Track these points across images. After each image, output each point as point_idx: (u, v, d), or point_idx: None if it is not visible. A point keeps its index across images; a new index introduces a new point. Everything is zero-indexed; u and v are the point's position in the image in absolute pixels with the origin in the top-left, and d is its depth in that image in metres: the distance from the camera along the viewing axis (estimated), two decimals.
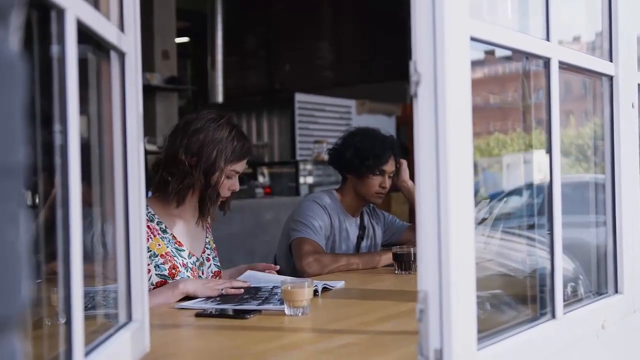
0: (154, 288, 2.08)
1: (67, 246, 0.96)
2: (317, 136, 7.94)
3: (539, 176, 1.56)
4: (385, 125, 7.04)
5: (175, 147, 2.17)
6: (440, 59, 1.09)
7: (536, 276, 1.59)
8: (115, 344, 1.20)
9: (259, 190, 6.59)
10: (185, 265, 2.20)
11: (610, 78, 1.76)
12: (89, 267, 1.25)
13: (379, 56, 8.86)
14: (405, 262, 2.51)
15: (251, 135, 8.37)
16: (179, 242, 2.22)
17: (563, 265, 1.48)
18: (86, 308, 1.05)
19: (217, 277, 2.32)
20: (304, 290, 1.77)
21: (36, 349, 1.10)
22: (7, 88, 0.63)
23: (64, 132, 0.96)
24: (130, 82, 1.32)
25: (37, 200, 1.21)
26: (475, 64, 1.21)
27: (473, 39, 1.18)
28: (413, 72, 1.11)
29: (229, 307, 1.87)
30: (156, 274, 2.13)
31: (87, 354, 1.04)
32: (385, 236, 3.04)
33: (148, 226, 2.14)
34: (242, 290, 2.05)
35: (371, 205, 2.99)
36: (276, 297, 1.96)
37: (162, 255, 2.15)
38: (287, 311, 1.78)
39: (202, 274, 2.28)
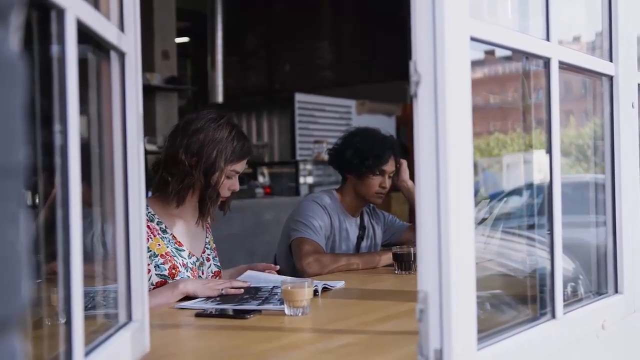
0: (154, 288, 2.08)
1: (67, 246, 0.96)
2: (317, 136, 7.94)
3: (539, 176, 1.56)
4: (385, 125, 7.04)
5: (175, 147, 2.17)
6: (440, 59, 1.09)
7: (536, 276, 1.59)
8: (115, 344, 1.20)
9: (259, 190, 6.59)
10: (185, 265, 2.20)
11: (610, 78, 1.76)
12: (89, 267, 1.25)
13: (379, 56, 8.86)
14: (405, 262, 2.51)
15: (251, 135, 8.37)
16: (179, 242, 2.22)
17: (563, 265, 1.48)
18: (86, 308, 1.05)
19: (217, 277, 2.32)
20: (304, 290, 1.77)
21: (36, 349, 1.10)
22: (7, 88, 0.63)
23: (64, 132, 0.96)
24: (130, 82, 1.32)
25: (37, 201, 1.21)
26: (475, 64, 1.21)
27: (473, 39, 1.18)
28: (413, 72, 1.11)
29: (229, 307, 1.87)
30: (156, 274, 2.13)
31: (87, 354, 1.04)
32: (385, 236, 3.04)
33: (148, 226, 2.14)
34: (242, 290, 2.05)
35: (371, 205, 2.99)
36: (276, 297, 1.96)
37: (162, 255, 2.15)
38: (287, 311, 1.78)
39: (202, 274, 2.28)
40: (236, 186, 2.26)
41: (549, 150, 1.46)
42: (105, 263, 1.40)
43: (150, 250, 2.12)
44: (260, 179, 7.16)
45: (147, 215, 2.13)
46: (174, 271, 2.15)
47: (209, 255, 2.34)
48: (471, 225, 1.15)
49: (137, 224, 1.33)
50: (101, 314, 1.40)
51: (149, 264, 2.10)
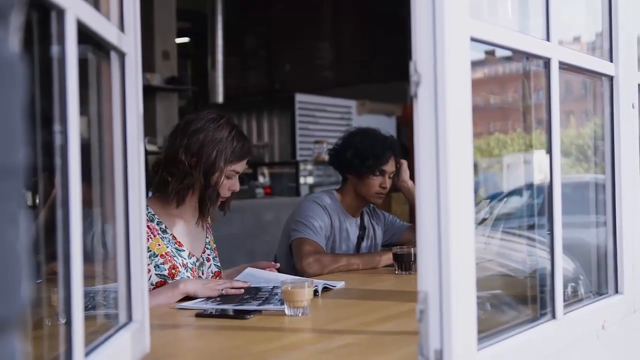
0: (153, 288, 2.08)
1: (67, 246, 0.96)
2: (317, 136, 7.94)
3: (539, 176, 1.56)
4: (386, 125, 7.04)
5: (175, 147, 2.17)
6: (440, 59, 1.09)
7: (536, 276, 1.59)
8: (115, 344, 1.20)
9: (259, 191, 6.59)
10: (185, 266, 2.20)
11: (611, 78, 1.76)
12: (89, 267, 1.26)
13: (379, 56, 8.86)
14: (406, 263, 2.51)
15: (251, 136, 8.37)
16: (179, 242, 2.22)
17: (563, 265, 1.48)
18: (86, 308, 1.05)
19: (217, 278, 2.32)
20: (304, 290, 1.77)
21: (36, 349, 1.10)
22: (7, 88, 0.63)
23: (64, 133, 0.96)
24: (131, 82, 1.32)
25: (37, 201, 1.21)
26: (475, 64, 1.21)
27: (473, 39, 1.18)
28: (413, 73, 1.11)
29: (229, 307, 1.87)
30: (156, 274, 2.13)
31: (87, 354, 1.04)
32: (385, 236, 3.04)
33: (148, 226, 2.14)
34: (242, 290, 2.05)
35: (371, 205, 2.99)
36: (276, 297, 1.96)
37: (162, 255, 2.15)
38: (287, 311, 1.78)
39: (202, 274, 2.28)
40: (236, 186, 2.26)
41: (549, 151, 1.46)
42: (106, 263, 1.40)
43: (150, 250, 2.12)
44: (261, 179, 7.16)
45: (147, 215, 2.13)
46: (173, 271, 2.15)
47: (209, 255, 2.34)
48: (471, 226, 1.15)
49: (137, 225, 1.33)
50: (101, 314, 1.40)
51: (148, 264, 2.10)
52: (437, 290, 1.10)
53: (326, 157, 4.18)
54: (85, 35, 1.07)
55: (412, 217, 3.55)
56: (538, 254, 1.61)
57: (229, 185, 2.22)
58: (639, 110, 1.82)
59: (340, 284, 2.26)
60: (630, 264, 1.77)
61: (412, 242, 2.66)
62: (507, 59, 1.62)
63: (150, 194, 2.29)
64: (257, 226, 5.70)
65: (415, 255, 2.08)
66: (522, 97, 1.70)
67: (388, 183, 2.84)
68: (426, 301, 1.10)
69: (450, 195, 1.09)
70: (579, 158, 1.97)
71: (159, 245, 2.16)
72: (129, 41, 1.32)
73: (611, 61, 1.75)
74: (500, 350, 1.25)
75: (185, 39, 10.05)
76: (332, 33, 9.59)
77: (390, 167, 2.84)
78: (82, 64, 1.03)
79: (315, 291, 2.02)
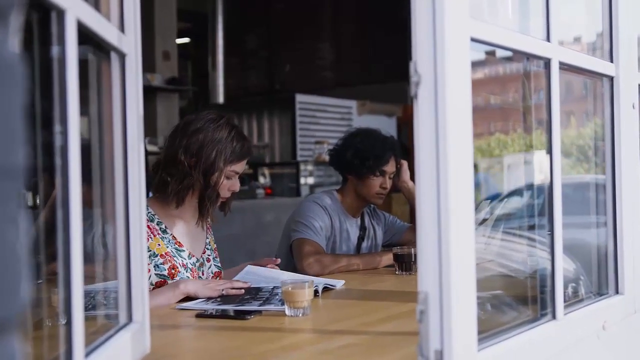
0: (153, 288, 2.08)
1: (68, 247, 0.96)
2: (318, 137, 7.94)
3: (540, 177, 1.56)
4: (386, 126, 7.04)
5: (174, 148, 2.17)
6: (440, 59, 1.09)
7: (537, 277, 1.59)
8: (116, 344, 1.20)
9: (260, 191, 6.59)
10: (184, 266, 2.20)
11: (611, 79, 1.76)
12: (90, 268, 1.25)
13: (379, 57, 8.86)
14: (406, 263, 2.51)
15: (252, 136, 8.37)
16: (179, 242, 2.22)
17: (564, 265, 1.48)
18: (86, 308, 1.05)
19: (218, 278, 2.32)
20: (305, 291, 1.77)
21: (36, 349, 1.11)
22: (7, 88, 0.63)
23: (65, 133, 0.96)
24: (131, 83, 1.32)
25: (37, 201, 1.21)
26: (475, 64, 1.21)
27: (473, 39, 1.17)
28: (413, 73, 1.11)
29: (230, 307, 1.87)
30: (155, 274, 2.13)
31: (87, 354, 1.04)
32: (385, 237, 3.04)
33: (148, 226, 2.14)
34: (243, 290, 2.05)
35: (372, 205, 2.99)
36: (277, 297, 1.96)
37: (161, 255, 2.15)
38: (287, 312, 1.78)
39: (202, 274, 2.28)
40: (236, 187, 2.26)
41: (550, 151, 1.46)
42: (106, 264, 1.40)
43: (150, 250, 2.12)
44: (261, 180, 7.16)
45: (147, 216, 2.13)
46: (173, 271, 2.15)
47: (209, 256, 2.33)
48: (471, 226, 1.15)
49: (137, 225, 1.33)
50: (101, 314, 1.40)
51: (148, 264, 2.10)
52: (437, 290, 1.10)
53: (327, 158, 4.18)
54: (86, 36, 1.07)
55: (412, 217, 3.55)
56: (538, 254, 1.61)
57: (228, 185, 2.22)
58: (639, 110, 1.82)
59: (340, 283, 2.26)
60: (631, 265, 1.77)
61: (413, 243, 2.66)
62: (508, 59, 1.62)
63: (150, 194, 2.29)
64: (257, 227, 5.70)
65: (415, 255, 2.08)
66: (523, 98, 1.70)
67: (388, 183, 2.84)
68: (426, 302, 1.10)
69: (451, 195, 1.09)
70: (579, 158, 1.97)
71: (159, 245, 2.16)
72: (129, 42, 1.32)
73: (611, 61, 1.75)
74: (500, 350, 1.25)
75: (186, 40, 10.06)
76: (333, 33, 9.59)
77: (390, 167, 2.84)
78: (83, 65, 1.03)
79: (316, 291, 2.02)
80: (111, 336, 1.22)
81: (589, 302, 1.67)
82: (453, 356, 1.08)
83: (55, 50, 0.96)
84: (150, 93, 7.07)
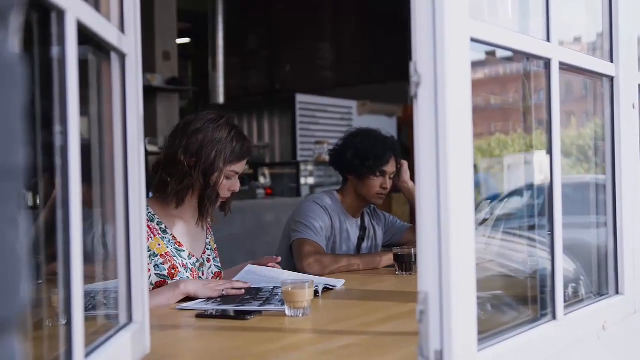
0: (153, 288, 2.08)
1: (68, 247, 0.96)
2: (318, 137, 7.94)
3: (540, 177, 1.56)
4: (387, 126, 7.04)
5: (174, 148, 2.17)
6: (440, 60, 1.09)
7: (537, 277, 1.59)
8: (116, 345, 1.20)
9: (260, 191, 6.59)
10: (184, 266, 2.20)
11: (611, 79, 1.76)
12: (90, 268, 1.25)
13: (379, 57, 8.85)
14: (406, 263, 2.51)
15: (252, 136, 8.38)
16: (179, 242, 2.22)
17: (564, 266, 1.48)
18: (86, 308, 1.05)
19: (218, 278, 2.32)
20: (305, 291, 1.77)
21: (36, 350, 1.11)
22: (7, 89, 0.63)
23: (65, 133, 0.96)
24: (131, 83, 1.32)
25: (37, 202, 1.21)
26: (476, 64, 1.21)
27: (473, 40, 1.18)
28: (413, 73, 1.11)
29: (230, 308, 1.87)
30: (155, 274, 2.13)
31: (87, 355, 1.04)
32: (386, 237, 3.04)
33: (148, 226, 2.14)
34: (243, 291, 2.05)
35: (372, 206, 2.99)
36: (277, 297, 1.96)
37: (161, 255, 2.15)
38: (287, 312, 1.78)
39: (202, 274, 2.28)
40: (236, 187, 2.26)
41: (550, 151, 1.46)
42: (106, 264, 1.40)
43: (150, 250, 2.12)
44: (262, 180, 7.16)
45: (147, 216, 2.13)
46: (173, 271, 2.15)
47: (209, 256, 2.33)
48: (471, 226, 1.15)
49: (137, 226, 1.33)
50: (101, 314, 1.40)
51: (148, 264, 2.10)
52: (437, 290, 1.10)
53: (327, 158, 4.18)
54: (86, 36, 1.07)
55: (412, 217, 3.55)
56: (539, 254, 1.61)
57: (228, 185, 2.22)
58: (639, 110, 1.82)
59: (340, 283, 2.26)
60: (631, 265, 1.77)
61: (413, 243, 2.66)
62: (508, 59, 1.62)
63: (150, 194, 2.29)
64: (258, 227, 5.70)
65: (415, 255, 2.08)
66: (523, 98, 1.70)
67: (389, 184, 2.84)
68: (426, 302, 1.10)
69: (451, 195, 1.09)
70: (579, 158, 1.97)
71: (159, 245, 2.16)
72: (129, 42, 1.32)
73: (612, 62, 1.75)
74: (500, 351, 1.25)
75: (186, 40, 10.05)
76: (333, 33, 9.59)
77: (390, 167, 2.84)
78: (83, 65, 1.03)
79: (316, 292, 2.02)
80: (111, 336, 1.22)
81: (589, 302, 1.67)
82: (453, 356, 1.08)
83: (55, 50, 0.96)
84: (150, 93, 7.07)
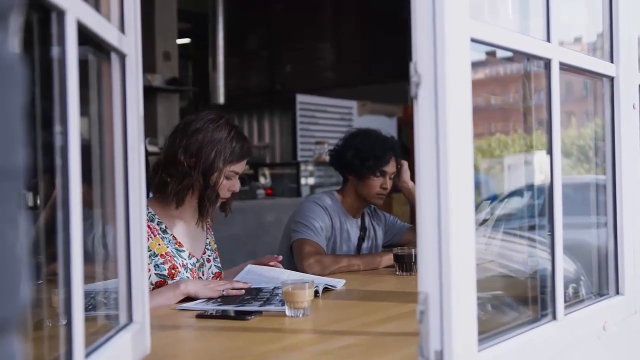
0: (153, 288, 2.08)
1: (68, 247, 0.96)
2: (318, 137, 7.94)
3: (540, 177, 1.56)
4: (387, 126, 7.03)
5: (174, 148, 2.17)
6: (440, 60, 1.09)
7: (537, 277, 1.59)
8: (116, 345, 1.20)
9: (260, 192, 6.58)
10: (185, 266, 2.20)
11: (611, 79, 1.76)
12: (90, 268, 1.26)
13: (379, 57, 8.85)
14: (406, 263, 2.51)
15: (252, 136, 8.38)
16: (179, 242, 2.22)
17: (564, 266, 1.48)
18: (87, 309, 1.05)
19: (218, 278, 2.32)
20: (305, 291, 1.77)
21: (37, 350, 1.11)
22: (7, 89, 0.63)
23: (65, 133, 0.96)
24: (131, 83, 1.32)
25: (37, 202, 1.21)
26: (476, 64, 1.21)
27: (473, 40, 1.18)
28: (413, 73, 1.11)
29: (230, 308, 1.87)
30: (155, 274, 2.13)
31: (87, 355, 1.04)
32: (386, 237, 3.04)
33: (148, 226, 2.14)
34: (243, 291, 2.05)
35: (372, 206, 2.99)
36: (277, 297, 1.96)
37: (161, 255, 2.15)
38: (288, 312, 1.78)
39: (202, 275, 2.28)
40: (236, 187, 2.25)
41: (550, 151, 1.46)
42: (106, 264, 1.40)
43: (150, 250, 2.12)
44: (262, 180, 7.16)
45: (147, 216, 2.13)
46: (173, 271, 2.15)
47: (209, 256, 2.33)
48: (472, 226, 1.15)
49: (137, 226, 1.33)
50: (102, 314, 1.40)
51: (148, 264, 2.10)
52: (437, 291, 1.10)
53: (327, 158, 4.18)
54: (86, 37, 1.07)
55: (412, 217, 3.55)
56: (539, 254, 1.61)
57: (228, 185, 2.22)
58: (639, 111, 1.82)
59: (341, 283, 2.26)
60: (631, 265, 1.77)
61: (413, 243, 2.66)
62: (508, 59, 1.62)
63: (150, 194, 2.29)
64: (258, 227, 5.70)
65: (415, 256, 2.07)
66: (523, 98, 1.70)
67: (389, 184, 2.84)
68: (426, 302, 1.10)
69: (451, 195, 1.09)
70: (579, 159, 1.97)
71: (159, 245, 2.16)
72: (129, 42, 1.32)
73: (612, 62, 1.75)
74: (500, 351, 1.25)
75: (186, 40, 10.05)
76: (333, 33, 9.58)
77: (391, 167, 2.84)
78: (83, 65, 1.03)
79: (316, 292, 2.02)
80: (111, 337, 1.22)
81: (589, 303, 1.67)
82: (453, 357, 1.08)
83: (55, 50, 0.96)
84: (150, 93, 7.07)
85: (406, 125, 8.02)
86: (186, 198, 2.20)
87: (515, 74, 1.69)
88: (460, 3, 1.13)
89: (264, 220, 5.83)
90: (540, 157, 1.53)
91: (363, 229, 2.95)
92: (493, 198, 2.06)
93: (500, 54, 1.48)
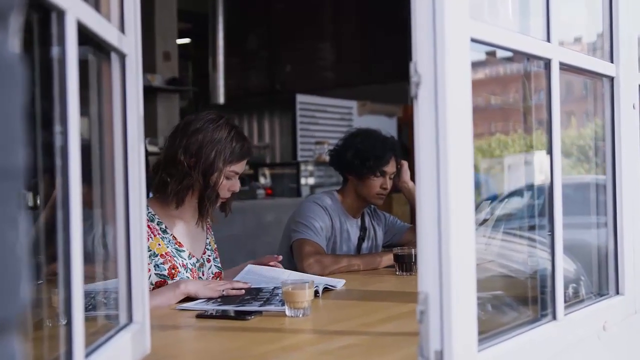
0: (153, 288, 2.08)
1: (68, 247, 0.96)
2: (318, 137, 7.94)
3: (540, 177, 1.56)
4: (387, 126, 7.03)
5: (174, 148, 2.17)
6: (440, 60, 1.09)
7: (537, 277, 1.59)
8: (116, 345, 1.20)
9: (260, 192, 6.58)
10: (184, 266, 2.20)
11: (611, 79, 1.76)
12: (90, 268, 1.26)
13: (379, 57, 8.85)
14: (406, 263, 2.51)
15: (252, 136, 8.38)
16: (179, 242, 2.22)
17: (564, 266, 1.48)
18: (87, 309, 1.05)
19: (218, 279, 2.32)
20: (305, 291, 1.77)
21: (37, 350, 1.11)
22: (7, 89, 0.63)
23: (65, 133, 0.96)
24: (131, 83, 1.32)
25: (37, 202, 1.21)
26: (476, 64, 1.21)
27: (473, 40, 1.18)
28: (413, 73, 1.11)
29: (230, 308, 1.87)
30: (155, 274, 2.13)
31: (87, 355, 1.04)
32: (386, 237, 3.04)
33: (148, 226, 2.14)
34: (243, 291, 2.05)
35: (372, 206, 2.99)
36: (277, 297, 1.96)
37: (161, 255, 2.15)
38: (288, 312, 1.78)
39: (203, 275, 2.28)
40: (236, 187, 2.25)
41: (550, 151, 1.46)
42: (106, 264, 1.40)
43: (150, 250, 2.12)
44: (262, 180, 7.16)
45: (147, 216, 2.13)
46: (173, 271, 2.15)
47: (209, 256, 2.33)
48: (472, 226, 1.15)
49: (137, 226, 1.33)
50: (102, 314, 1.40)
51: (148, 264, 2.10)
52: (437, 291, 1.10)
53: (327, 158, 4.18)
54: (86, 37, 1.07)
55: (412, 217, 3.55)
56: (539, 254, 1.61)
57: (228, 185, 2.22)
58: (639, 111, 1.82)
59: (341, 282, 2.26)
60: (631, 265, 1.77)
61: (413, 243, 2.66)
62: (508, 59, 1.62)
63: (150, 194, 2.29)
64: (258, 227, 5.70)
65: (415, 256, 2.07)
66: (523, 98, 1.70)
67: (389, 184, 2.84)
68: (426, 302, 1.10)
69: (451, 195, 1.09)
70: (579, 159, 1.97)
71: (159, 245, 2.16)
72: (129, 42, 1.32)
73: (612, 62, 1.75)
74: (500, 351, 1.25)
75: (186, 40, 10.05)
76: (333, 33, 9.58)
77: (391, 167, 2.84)
78: (83, 65, 1.03)
79: (316, 292, 2.02)
80: (111, 337, 1.22)
81: (589, 303, 1.67)
82: (453, 357, 1.08)
83: (55, 50, 0.96)
84: (150, 93, 7.07)
85: (406, 125, 8.02)
86: (186, 198, 2.20)
87: (515, 74, 1.69)
88: (460, 3, 1.13)
89: (264, 220, 5.83)
90: (540, 157, 1.53)
91: (363, 229, 2.95)
92: (493, 198, 2.05)
93: (500, 54, 1.48)
